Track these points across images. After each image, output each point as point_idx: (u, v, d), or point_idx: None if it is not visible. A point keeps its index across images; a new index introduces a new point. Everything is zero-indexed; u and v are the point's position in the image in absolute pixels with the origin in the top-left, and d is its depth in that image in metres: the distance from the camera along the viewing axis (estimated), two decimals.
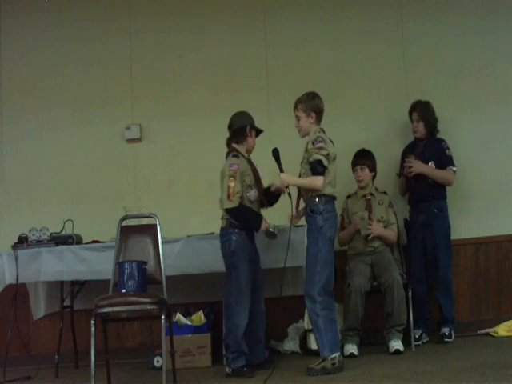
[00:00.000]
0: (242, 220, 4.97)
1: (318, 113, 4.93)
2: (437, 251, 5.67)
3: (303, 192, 4.93)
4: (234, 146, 5.13)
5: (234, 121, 5.18)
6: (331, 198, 4.82)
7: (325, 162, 4.75)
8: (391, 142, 6.15)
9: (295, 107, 4.95)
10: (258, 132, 5.23)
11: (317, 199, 4.78)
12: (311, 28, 6.42)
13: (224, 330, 5.13)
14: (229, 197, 4.91)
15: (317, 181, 4.74)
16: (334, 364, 4.64)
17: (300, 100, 4.94)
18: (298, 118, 4.94)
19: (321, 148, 4.76)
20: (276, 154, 4.94)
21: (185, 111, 6.40)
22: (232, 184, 4.90)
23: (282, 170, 4.90)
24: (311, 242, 4.77)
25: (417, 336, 5.59)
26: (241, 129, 5.12)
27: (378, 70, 6.34)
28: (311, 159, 4.76)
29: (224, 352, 5.12)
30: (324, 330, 4.68)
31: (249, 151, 5.17)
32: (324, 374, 4.58)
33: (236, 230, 4.95)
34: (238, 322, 4.87)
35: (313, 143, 4.79)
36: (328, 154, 4.78)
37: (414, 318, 5.46)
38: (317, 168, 4.74)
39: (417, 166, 5.72)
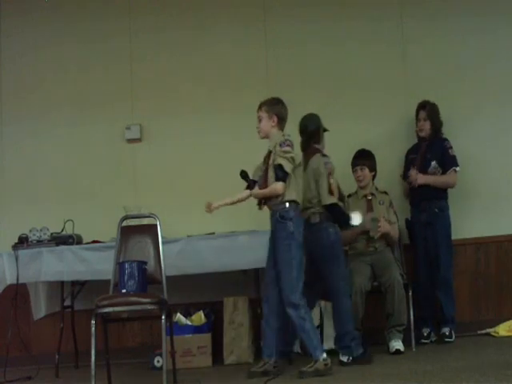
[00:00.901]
0: (340, 215, 5.14)
1: (281, 119, 4.92)
2: (438, 251, 5.67)
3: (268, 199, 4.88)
4: (317, 146, 5.24)
5: (307, 123, 5.30)
6: (297, 204, 4.84)
7: (287, 167, 4.74)
8: (392, 142, 6.15)
9: (259, 108, 4.94)
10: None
11: (287, 205, 4.77)
12: (311, 28, 6.41)
13: (336, 319, 5.10)
14: (331, 193, 5.04)
15: (276, 186, 4.75)
16: (326, 365, 4.63)
17: (265, 102, 4.95)
18: (259, 119, 4.93)
19: (286, 152, 4.76)
20: (244, 175, 4.93)
21: (185, 111, 6.40)
22: (332, 181, 5.06)
23: (252, 187, 4.88)
24: (283, 249, 4.72)
25: (425, 334, 5.60)
26: (317, 130, 5.29)
27: (378, 70, 6.33)
28: (275, 163, 4.78)
29: (336, 344, 5.11)
30: (312, 331, 4.70)
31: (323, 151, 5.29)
32: (316, 376, 4.56)
33: (330, 223, 5.09)
34: (348, 304, 5.06)
35: (280, 145, 4.79)
36: (293, 158, 4.78)
37: (421, 316, 5.50)
38: (278, 173, 4.76)
39: (420, 180, 5.73)
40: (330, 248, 5.05)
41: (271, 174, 4.81)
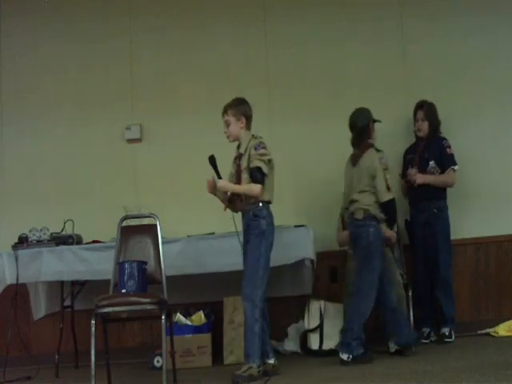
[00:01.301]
0: (394, 212, 5.17)
1: (248, 118, 4.89)
2: (437, 251, 5.67)
3: (242, 197, 4.84)
4: (370, 141, 5.28)
5: (356, 119, 5.32)
6: (270, 204, 4.83)
7: (265, 169, 4.74)
8: (391, 142, 6.13)
9: (225, 112, 4.88)
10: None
11: (261, 204, 4.76)
12: (311, 28, 6.41)
13: (349, 314, 5.14)
14: (388, 189, 5.08)
15: (254, 188, 4.72)
16: (259, 372, 4.61)
17: (230, 105, 4.88)
18: (227, 123, 4.87)
19: (263, 154, 4.75)
20: (213, 161, 4.86)
21: (185, 111, 6.40)
22: (388, 176, 5.10)
23: (219, 177, 4.82)
24: (254, 246, 4.72)
25: (425, 334, 5.61)
26: (367, 125, 5.31)
27: (378, 70, 6.34)
28: (252, 165, 4.74)
29: (341, 339, 5.12)
30: (258, 336, 4.65)
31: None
32: (251, 381, 4.53)
33: (373, 223, 5.08)
34: (366, 308, 5.01)
35: (255, 148, 4.77)
36: (270, 160, 4.78)
37: (421, 316, 5.51)
38: (256, 175, 4.73)
39: (419, 179, 5.73)
40: (366, 248, 5.10)
41: (245, 176, 4.77)
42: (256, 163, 4.73)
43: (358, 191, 5.14)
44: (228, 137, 4.91)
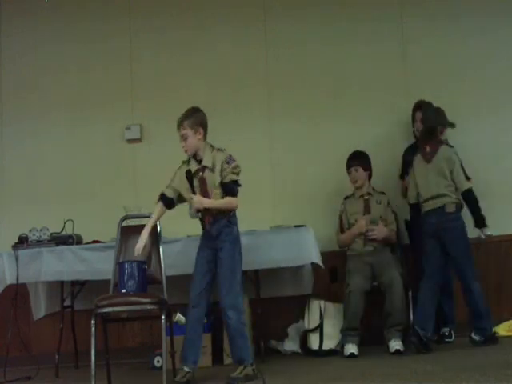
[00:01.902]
0: (476, 202, 5.30)
1: (205, 127, 4.76)
2: None
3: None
4: (441, 137, 5.42)
5: (437, 119, 5.44)
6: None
7: (240, 181, 4.73)
8: (391, 143, 6.15)
9: (180, 126, 4.69)
10: None
11: (232, 212, 4.75)
12: (311, 28, 6.42)
13: (477, 302, 5.26)
14: (468, 179, 5.31)
15: (233, 202, 4.70)
16: (253, 370, 4.62)
17: (185, 117, 4.71)
18: (184, 137, 4.69)
19: (235, 167, 4.71)
20: (189, 176, 4.76)
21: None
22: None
23: (194, 192, 4.72)
24: (229, 253, 4.69)
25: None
26: (445, 127, 5.48)
27: (378, 69, 6.34)
28: (227, 180, 4.67)
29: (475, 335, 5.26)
30: (247, 338, 4.67)
31: None
32: (247, 381, 4.53)
33: (460, 214, 5.31)
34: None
35: (228, 162, 4.69)
36: (239, 172, 4.75)
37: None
38: (234, 189, 4.70)
39: None
40: (463, 239, 5.29)
41: (218, 191, 4.67)
42: (232, 177, 4.68)
43: (445, 185, 5.28)
44: (186, 151, 4.72)
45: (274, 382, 4.53)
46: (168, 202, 4.84)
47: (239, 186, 4.73)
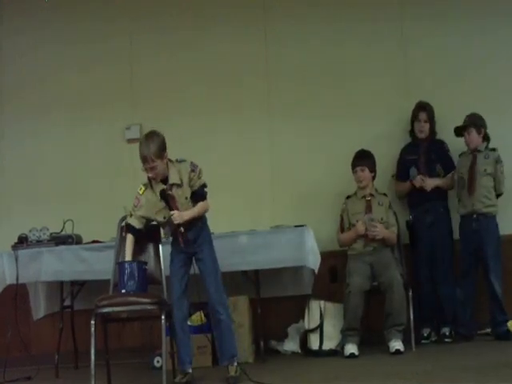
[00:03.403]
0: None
1: (166, 146, 4.67)
2: (442, 251, 5.73)
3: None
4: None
5: (482, 123, 5.70)
6: None
7: (206, 184, 4.76)
8: (392, 143, 6.14)
9: (148, 159, 4.55)
10: None
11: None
12: (311, 27, 6.41)
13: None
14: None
15: (206, 205, 4.75)
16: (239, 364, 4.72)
17: (149, 151, 4.54)
18: (153, 168, 4.57)
19: (200, 171, 4.73)
20: (164, 195, 4.67)
21: (185, 111, 6.40)
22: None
23: (171, 209, 4.65)
24: (209, 254, 4.74)
25: (425, 334, 5.64)
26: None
27: (378, 69, 6.33)
28: (196, 187, 4.70)
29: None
30: (234, 334, 4.76)
31: None
32: (241, 378, 4.62)
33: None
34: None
35: (193, 171, 4.69)
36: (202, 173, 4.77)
37: (421, 316, 5.62)
38: (204, 193, 4.74)
39: (430, 184, 5.79)
40: (498, 239, 5.55)
41: (190, 204, 4.67)
42: (200, 182, 4.71)
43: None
44: (154, 179, 4.64)
45: (274, 382, 4.53)
46: (137, 233, 4.74)
47: (206, 187, 4.77)
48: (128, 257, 4.65)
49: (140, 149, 4.61)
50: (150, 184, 4.72)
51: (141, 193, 4.73)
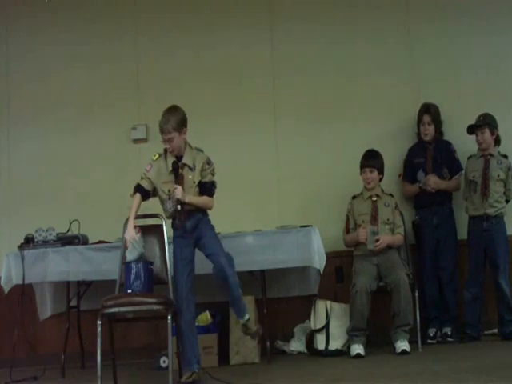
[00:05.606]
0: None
1: (187, 125, 4.76)
2: (448, 251, 5.74)
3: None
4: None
5: (494, 122, 5.69)
6: None
7: (216, 182, 4.79)
8: (398, 143, 6.14)
9: (165, 130, 4.64)
10: None
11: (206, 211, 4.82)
12: (317, 28, 6.40)
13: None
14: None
15: (211, 202, 4.77)
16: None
17: (168, 119, 4.66)
18: (169, 141, 4.66)
19: (214, 169, 4.79)
20: (175, 167, 4.71)
21: (191, 111, 6.35)
22: None
23: (178, 183, 4.68)
24: (213, 235, 4.78)
25: (432, 334, 5.66)
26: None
27: (385, 70, 6.32)
28: (207, 179, 4.74)
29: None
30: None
31: None
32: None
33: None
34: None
35: (208, 163, 4.75)
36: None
37: (427, 317, 5.64)
38: (212, 190, 4.77)
39: (438, 185, 5.80)
40: (506, 242, 5.61)
41: (196, 189, 4.70)
42: (211, 177, 4.76)
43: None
44: (171, 152, 4.71)
45: (280, 383, 4.53)
46: (145, 194, 4.77)
47: (216, 187, 4.79)
48: (132, 216, 4.68)
49: (160, 120, 4.72)
50: (165, 154, 4.79)
51: (154, 159, 4.81)
